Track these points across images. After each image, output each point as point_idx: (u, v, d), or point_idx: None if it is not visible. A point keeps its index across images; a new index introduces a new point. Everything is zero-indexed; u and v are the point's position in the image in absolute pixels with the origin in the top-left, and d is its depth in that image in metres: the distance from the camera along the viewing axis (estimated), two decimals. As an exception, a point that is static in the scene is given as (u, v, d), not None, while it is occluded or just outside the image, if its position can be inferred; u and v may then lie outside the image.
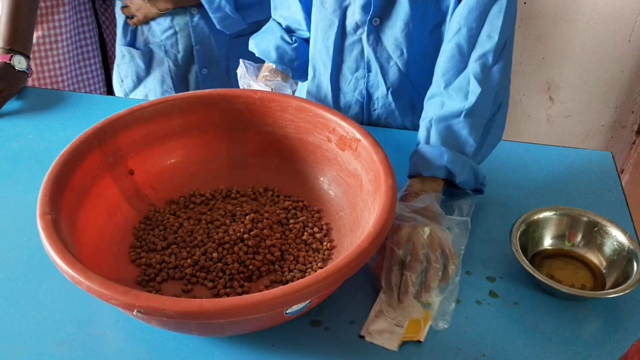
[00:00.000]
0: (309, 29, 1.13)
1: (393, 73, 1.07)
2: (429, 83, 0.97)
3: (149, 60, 1.35)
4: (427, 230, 0.79)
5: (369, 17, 1.01)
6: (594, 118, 1.77)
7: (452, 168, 0.86)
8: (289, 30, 1.17)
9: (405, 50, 1.03)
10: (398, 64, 1.05)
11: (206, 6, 1.25)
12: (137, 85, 1.39)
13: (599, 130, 1.79)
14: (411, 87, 1.09)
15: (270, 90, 1.11)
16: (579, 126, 1.79)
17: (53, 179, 0.77)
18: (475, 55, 0.90)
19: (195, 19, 1.29)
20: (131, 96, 1.41)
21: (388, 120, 1.14)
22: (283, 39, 1.15)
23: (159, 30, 1.31)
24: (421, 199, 0.84)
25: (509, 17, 0.90)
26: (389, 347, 0.73)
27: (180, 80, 1.36)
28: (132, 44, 1.36)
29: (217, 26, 1.27)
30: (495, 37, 0.89)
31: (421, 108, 0.97)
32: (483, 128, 0.90)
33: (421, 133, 0.92)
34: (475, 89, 0.88)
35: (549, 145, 1.10)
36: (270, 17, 1.21)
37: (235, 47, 1.36)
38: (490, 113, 0.90)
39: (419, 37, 1.03)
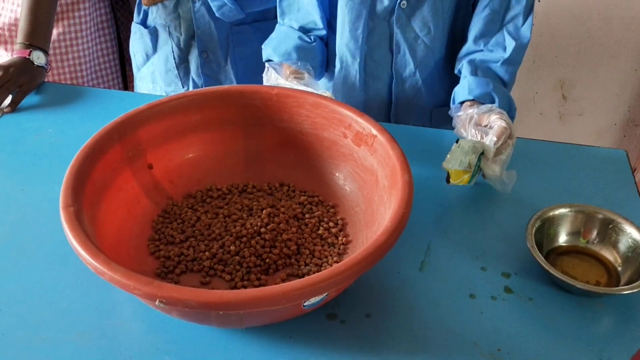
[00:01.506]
0: (324, 27, 1.14)
1: (420, 51, 1.12)
2: (450, 55, 1.14)
3: (155, 39, 1.40)
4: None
5: (398, 1, 1.05)
6: (606, 116, 1.76)
7: (496, 95, 1.00)
8: (304, 31, 1.18)
9: (432, 28, 1.09)
10: (425, 42, 1.11)
11: None
12: (146, 61, 1.44)
13: (611, 129, 1.79)
14: (434, 62, 1.15)
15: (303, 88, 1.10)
16: (591, 124, 1.79)
17: (75, 172, 0.78)
18: (508, 16, 1.06)
19: (197, 5, 1.33)
20: (142, 70, 1.45)
21: (415, 99, 1.18)
22: (302, 39, 1.14)
23: (165, 13, 1.36)
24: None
25: None
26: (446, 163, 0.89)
27: (181, 61, 1.40)
28: (143, 22, 1.40)
29: (216, 13, 1.30)
30: (523, 1, 1.05)
31: (443, 80, 1.16)
32: (514, 76, 1.08)
33: (465, 68, 1.06)
34: (511, 43, 1.05)
35: (562, 142, 1.10)
36: (268, 8, 1.30)
37: (235, 35, 1.40)
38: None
39: (445, 13, 1.08)
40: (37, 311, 0.77)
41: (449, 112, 1.04)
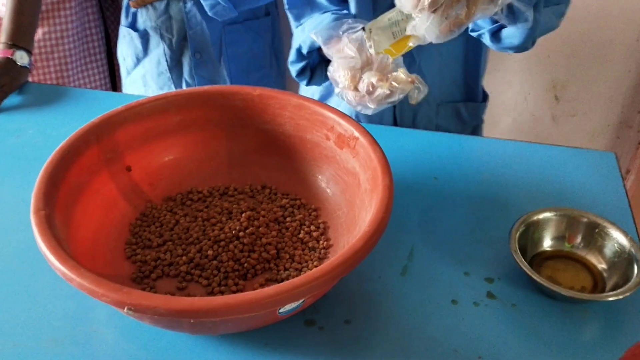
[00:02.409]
0: (349, 10, 1.06)
1: (433, 70, 1.09)
2: (458, 53, 1.10)
3: (146, 42, 1.38)
4: None
5: None
6: (599, 118, 1.75)
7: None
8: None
9: (441, 46, 1.04)
10: (438, 61, 1.08)
11: None
12: (136, 65, 1.42)
13: (604, 130, 1.77)
14: (440, 58, 1.11)
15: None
16: (584, 126, 1.77)
17: (48, 175, 0.76)
18: None
19: (189, 5, 1.32)
20: (132, 73, 1.42)
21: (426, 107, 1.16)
22: (335, 13, 1.02)
23: (155, 15, 1.34)
24: None
25: None
26: (375, 48, 0.84)
27: (174, 63, 1.38)
28: (132, 25, 1.38)
29: (209, 13, 1.29)
30: None
31: (451, 75, 1.12)
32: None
33: None
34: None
35: (552, 144, 1.09)
36: (259, 5, 1.27)
37: (228, 34, 1.38)
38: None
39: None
40: (9, 316, 0.76)
41: None
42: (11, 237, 0.87)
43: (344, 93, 0.86)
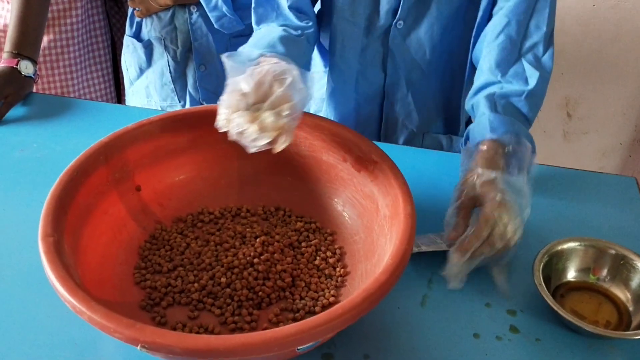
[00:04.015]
0: (313, 22, 1.00)
1: (415, 74, 1.07)
2: (452, 83, 1.07)
3: (150, 53, 1.35)
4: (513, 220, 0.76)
5: (394, 21, 1.01)
6: (612, 136, 1.73)
7: (523, 136, 0.86)
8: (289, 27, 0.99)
9: (428, 52, 1.04)
10: (420, 65, 1.05)
11: (204, 4, 1.24)
12: (139, 75, 1.39)
13: (616, 148, 1.75)
14: (432, 88, 1.10)
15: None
16: (596, 143, 1.75)
17: (57, 198, 0.73)
18: (527, 45, 0.94)
19: (194, 16, 1.29)
20: (135, 84, 1.39)
21: (406, 121, 1.14)
22: (287, 31, 0.95)
23: (160, 26, 1.31)
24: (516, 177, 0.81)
25: (553, 6, 0.95)
26: None
27: (178, 75, 1.35)
28: (136, 35, 1.36)
29: (215, 25, 1.26)
30: (544, 28, 0.94)
31: (441, 109, 1.10)
32: (537, 112, 0.95)
33: (483, 104, 0.90)
34: (533, 74, 0.92)
35: (569, 168, 1.06)
36: None
37: (234, 46, 1.35)
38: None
39: (444, 38, 1.03)
40: (14, 345, 0.72)
41: (462, 148, 0.90)
42: (15, 257, 0.84)
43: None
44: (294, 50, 0.90)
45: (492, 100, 0.91)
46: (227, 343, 0.58)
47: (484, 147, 0.83)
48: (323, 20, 1.10)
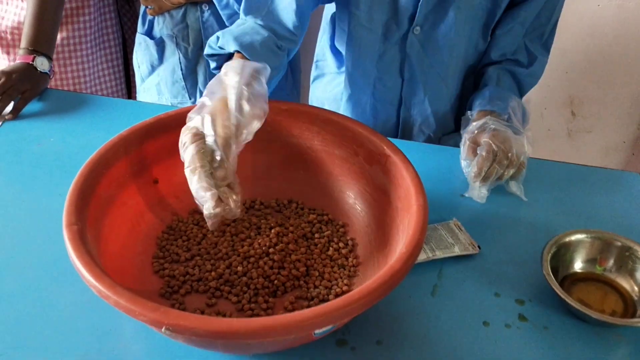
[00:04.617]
0: (298, 40, 0.98)
1: (432, 80, 1.09)
2: (468, 87, 1.14)
3: (161, 50, 1.37)
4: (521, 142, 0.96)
5: (411, 27, 1.02)
6: (616, 134, 1.75)
7: (513, 110, 1.01)
8: (275, 35, 0.95)
9: (445, 57, 1.06)
10: (437, 71, 1.08)
11: (215, 2, 1.26)
12: (151, 73, 1.41)
13: (620, 147, 1.77)
14: (448, 92, 1.12)
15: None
16: (600, 142, 1.77)
17: (79, 188, 0.75)
18: (535, 33, 1.08)
19: (206, 14, 1.31)
20: (147, 81, 1.41)
21: (422, 126, 1.16)
22: (272, 40, 0.92)
23: (172, 23, 1.33)
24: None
25: (562, 1, 1.07)
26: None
27: (189, 72, 1.37)
28: (148, 33, 1.38)
29: (226, 23, 1.28)
30: (552, 18, 1.06)
31: (457, 112, 1.16)
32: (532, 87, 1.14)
33: (491, 75, 1.08)
34: (537, 57, 1.09)
35: (575, 163, 1.08)
36: None
37: None
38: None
39: (460, 43, 1.05)
40: (36, 331, 0.75)
41: (464, 117, 1.03)
42: (35, 248, 0.86)
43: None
44: (271, 60, 0.89)
45: (496, 73, 1.07)
46: (248, 325, 0.60)
47: (481, 115, 1.00)
48: (338, 26, 1.12)
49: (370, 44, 1.06)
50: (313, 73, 1.27)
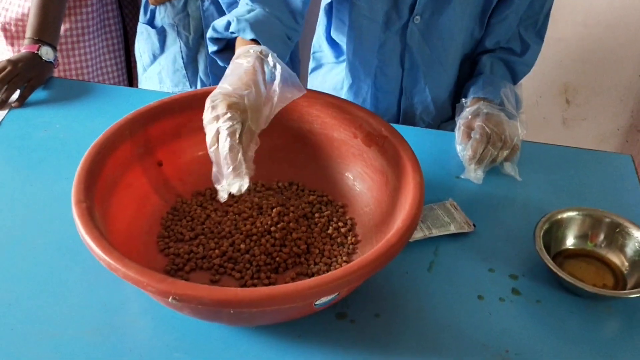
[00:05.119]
0: (300, 29, 1.01)
1: (432, 68, 1.11)
2: (465, 74, 1.15)
3: (163, 39, 1.40)
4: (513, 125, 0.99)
5: (412, 16, 1.05)
6: (609, 121, 1.77)
7: (505, 95, 1.04)
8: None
9: (446, 46, 1.08)
10: (438, 61, 1.10)
11: None
12: (153, 62, 1.44)
13: (614, 134, 1.80)
14: (448, 80, 1.14)
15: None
16: (594, 129, 1.80)
17: (87, 168, 0.78)
18: (529, 22, 1.10)
19: (206, 3, 1.33)
20: (149, 70, 1.44)
21: (423, 114, 1.18)
22: (287, 34, 0.96)
23: (173, 12, 1.35)
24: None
25: None
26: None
27: (190, 60, 1.40)
28: (150, 22, 1.40)
29: (226, 12, 1.30)
30: (546, 6, 1.09)
31: (454, 99, 1.18)
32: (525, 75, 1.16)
33: (485, 64, 1.11)
34: (531, 45, 1.11)
35: (568, 146, 1.11)
36: None
37: None
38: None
39: (460, 31, 1.07)
40: (47, 307, 0.77)
41: (458, 104, 1.06)
42: (44, 229, 0.88)
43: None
44: (282, 49, 0.93)
45: (490, 62, 1.10)
46: (252, 294, 0.62)
47: (474, 101, 1.04)
48: (337, 16, 1.13)
49: (371, 34, 1.08)
50: (311, 64, 1.29)
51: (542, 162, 1.06)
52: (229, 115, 0.73)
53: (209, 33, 0.96)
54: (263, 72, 0.81)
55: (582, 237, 0.87)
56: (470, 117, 1.00)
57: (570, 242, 0.88)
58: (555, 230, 0.86)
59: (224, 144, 0.73)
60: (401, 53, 1.10)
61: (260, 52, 0.83)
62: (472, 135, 0.98)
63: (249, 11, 0.94)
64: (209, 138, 0.74)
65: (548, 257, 0.81)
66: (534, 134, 1.83)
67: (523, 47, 1.11)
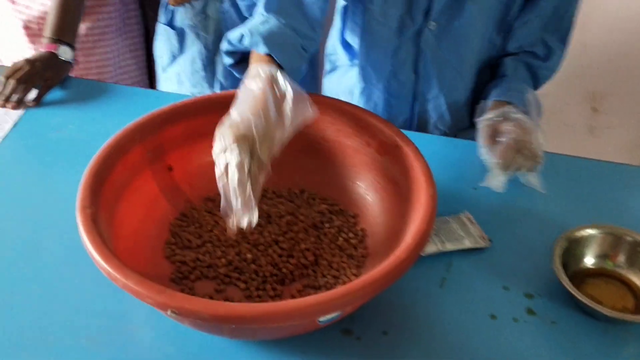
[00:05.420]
0: (318, 40, 0.98)
1: (447, 75, 1.08)
2: (483, 82, 1.11)
3: (182, 40, 1.39)
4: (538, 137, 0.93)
5: (427, 22, 1.01)
6: (637, 131, 1.72)
7: (529, 103, 0.99)
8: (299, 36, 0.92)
9: (462, 53, 1.05)
10: (454, 67, 1.07)
11: None
12: (172, 62, 1.43)
13: (643, 144, 1.75)
14: (464, 88, 1.11)
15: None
16: (621, 138, 1.74)
17: (94, 173, 0.77)
18: (553, 26, 1.06)
19: (226, 5, 1.32)
20: (168, 71, 1.43)
21: (437, 123, 1.15)
22: (303, 47, 0.92)
23: (193, 14, 1.35)
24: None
25: None
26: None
27: (209, 62, 1.39)
28: (169, 23, 1.39)
29: (244, 14, 1.29)
30: (571, 13, 1.05)
31: (472, 108, 1.12)
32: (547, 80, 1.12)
33: (508, 66, 1.07)
34: (555, 51, 1.07)
35: (591, 159, 1.07)
36: None
37: None
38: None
39: (476, 38, 1.04)
40: (49, 311, 0.77)
41: (479, 106, 1.02)
42: (52, 232, 0.88)
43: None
44: (297, 63, 0.89)
45: (513, 65, 1.07)
46: (251, 310, 0.61)
47: (497, 104, 0.99)
48: (351, 19, 1.11)
49: (384, 39, 1.06)
50: (326, 67, 1.27)
51: (563, 174, 1.02)
52: (236, 147, 0.72)
53: (223, 45, 0.94)
54: (274, 94, 0.79)
55: (602, 256, 0.84)
56: (496, 119, 0.96)
57: (589, 261, 0.84)
58: (574, 248, 0.83)
59: (233, 178, 0.72)
60: (415, 58, 1.08)
61: (271, 75, 0.81)
62: (498, 140, 0.93)
63: (263, 22, 0.90)
64: (218, 171, 0.74)
65: (565, 276, 0.78)
66: (558, 142, 1.78)
67: (547, 52, 1.07)
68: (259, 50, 0.86)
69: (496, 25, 1.05)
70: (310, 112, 0.81)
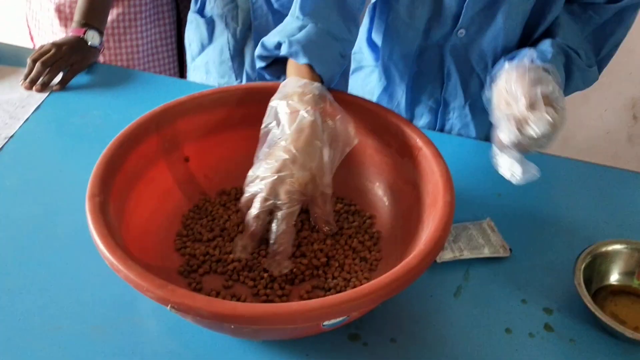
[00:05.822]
0: (353, 43, 0.96)
1: (474, 85, 1.03)
2: None
3: (211, 29, 1.38)
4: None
5: (456, 29, 0.97)
6: (681, 142, 1.65)
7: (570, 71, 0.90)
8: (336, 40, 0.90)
9: (490, 64, 1.00)
10: (480, 77, 1.02)
11: None
12: (201, 52, 1.42)
13: (685, 156, 1.67)
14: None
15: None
16: (663, 149, 1.68)
17: (106, 161, 0.76)
18: (594, 44, 0.97)
19: None
20: (197, 60, 1.43)
21: (461, 131, 1.11)
22: (342, 55, 0.90)
23: (223, 3, 1.33)
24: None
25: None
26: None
27: (237, 52, 1.38)
28: (200, 12, 1.39)
29: (274, 5, 1.27)
30: (616, 35, 0.96)
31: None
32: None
33: (546, 43, 0.90)
34: (593, 63, 0.96)
35: (625, 169, 1.02)
36: None
37: None
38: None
39: (506, 49, 0.98)
40: (56, 298, 0.76)
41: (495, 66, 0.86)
42: (66, 218, 0.88)
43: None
44: (336, 71, 0.88)
45: (556, 44, 0.90)
46: (253, 311, 0.59)
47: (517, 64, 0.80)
48: (378, 17, 1.07)
49: (409, 40, 1.02)
50: (351, 65, 1.24)
51: (594, 184, 0.98)
52: (288, 201, 0.74)
53: (258, 50, 0.92)
54: (325, 123, 0.79)
55: (628, 273, 0.80)
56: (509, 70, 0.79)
57: (614, 277, 0.80)
58: (599, 264, 0.79)
59: (281, 225, 0.74)
60: (439, 65, 1.03)
61: (319, 98, 0.80)
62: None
63: (300, 28, 0.87)
64: (254, 210, 0.76)
65: (587, 293, 0.74)
66: (596, 150, 1.73)
67: (589, 60, 0.97)
68: (299, 61, 0.84)
69: (522, 31, 0.98)
70: (353, 139, 0.81)
